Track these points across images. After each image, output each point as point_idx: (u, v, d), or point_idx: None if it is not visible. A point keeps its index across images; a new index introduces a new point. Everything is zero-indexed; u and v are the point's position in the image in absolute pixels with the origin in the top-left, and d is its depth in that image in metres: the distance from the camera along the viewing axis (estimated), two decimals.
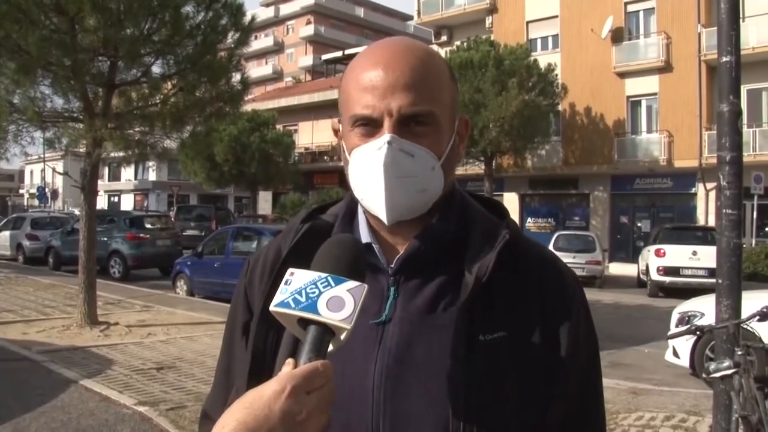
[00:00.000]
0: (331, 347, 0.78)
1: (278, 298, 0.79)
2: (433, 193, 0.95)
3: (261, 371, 0.91)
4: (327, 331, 0.77)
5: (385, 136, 0.90)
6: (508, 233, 0.96)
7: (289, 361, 0.75)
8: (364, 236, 1.00)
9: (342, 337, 0.77)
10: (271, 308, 0.80)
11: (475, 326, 0.90)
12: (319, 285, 0.79)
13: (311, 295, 0.78)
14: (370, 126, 0.92)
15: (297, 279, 0.80)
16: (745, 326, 4.17)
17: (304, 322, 0.78)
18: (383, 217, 0.94)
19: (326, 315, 0.76)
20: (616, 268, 23.65)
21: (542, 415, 0.92)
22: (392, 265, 0.97)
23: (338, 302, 0.77)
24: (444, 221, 0.98)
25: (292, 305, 0.78)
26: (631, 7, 24.72)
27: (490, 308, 0.92)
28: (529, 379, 0.91)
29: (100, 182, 10.92)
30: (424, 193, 0.93)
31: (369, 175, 0.92)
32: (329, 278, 0.79)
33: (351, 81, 0.95)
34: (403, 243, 0.98)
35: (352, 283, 0.79)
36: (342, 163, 1.01)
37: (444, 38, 29.68)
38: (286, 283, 0.80)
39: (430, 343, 0.91)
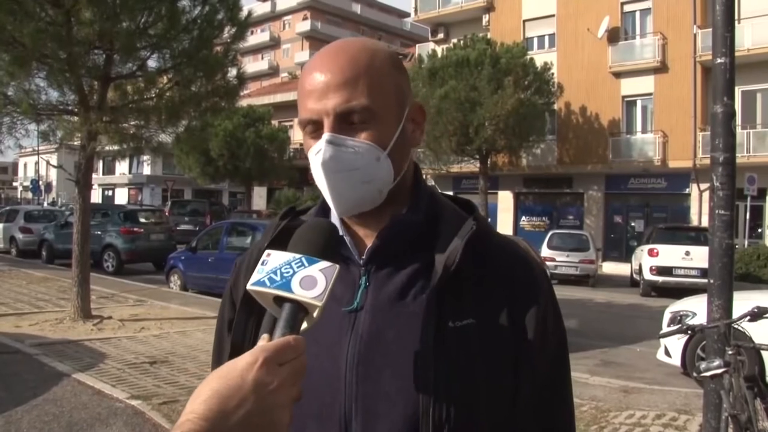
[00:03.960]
0: (305, 325, 0.82)
1: (255, 277, 0.84)
2: (382, 182, 0.98)
3: None
4: (300, 309, 0.81)
5: (324, 136, 0.94)
6: (475, 224, 1.00)
7: (264, 336, 0.79)
8: None
9: (315, 314, 0.82)
10: (248, 287, 0.84)
11: (444, 313, 0.94)
12: (293, 265, 0.83)
13: (286, 275, 0.82)
14: (316, 128, 0.97)
15: (273, 260, 0.85)
16: (735, 326, 4.20)
17: (280, 300, 0.82)
18: (335, 211, 1.00)
19: (299, 293, 0.80)
20: (610, 268, 23.74)
21: (511, 400, 0.96)
22: (363, 256, 1.00)
23: (311, 281, 0.81)
24: (412, 212, 1.02)
25: (268, 284, 0.82)
26: (627, 8, 24.77)
27: (459, 297, 0.96)
28: (498, 365, 0.95)
29: (94, 176, 10.88)
30: (371, 184, 0.97)
31: (317, 174, 0.97)
32: (303, 259, 0.84)
33: (299, 88, 1.00)
34: (373, 234, 1.02)
35: (324, 264, 0.83)
36: None
37: (441, 36, 29.68)
38: (262, 263, 0.85)
39: (400, 329, 0.94)
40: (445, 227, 1.00)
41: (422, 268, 0.98)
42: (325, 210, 1.06)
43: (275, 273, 0.82)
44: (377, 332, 0.95)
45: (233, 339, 1.01)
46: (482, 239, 0.99)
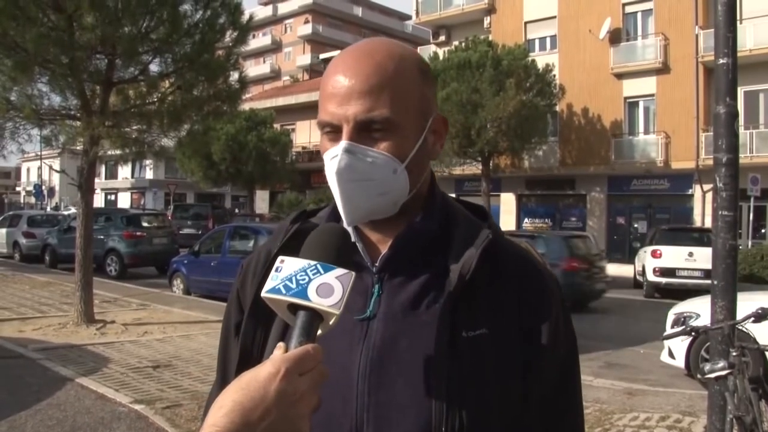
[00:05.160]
0: (319, 331, 0.81)
1: (269, 284, 0.82)
2: (397, 195, 0.97)
3: (248, 367, 0.93)
4: (316, 316, 0.80)
5: (341, 144, 0.93)
6: (491, 233, 0.99)
7: (280, 345, 0.78)
8: None
9: (330, 322, 0.81)
10: (263, 294, 0.82)
11: (458, 323, 0.93)
12: (308, 272, 0.82)
13: (301, 282, 0.81)
14: (334, 131, 0.95)
15: (287, 266, 0.83)
16: (740, 327, 4.18)
17: (294, 308, 0.81)
18: (344, 219, 0.97)
19: (316, 301, 0.79)
20: (613, 269, 23.48)
21: (522, 407, 0.95)
22: (376, 264, 0.99)
23: (327, 289, 0.80)
24: (427, 220, 1.01)
25: (283, 291, 0.81)
26: (629, 8, 24.76)
27: (472, 305, 0.95)
28: (510, 373, 0.94)
29: (97, 180, 10.90)
30: (385, 196, 0.96)
31: (330, 179, 0.96)
32: (318, 266, 0.82)
33: (321, 87, 0.98)
34: (386, 241, 1.00)
35: (340, 271, 0.82)
36: None
37: (442, 38, 29.70)
38: (276, 270, 0.83)
39: (413, 338, 0.93)
40: (459, 235, 0.99)
41: (436, 276, 0.96)
42: (336, 213, 1.04)
43: (290, 280, 0.81)
44: (390, 341, 0.93)
45: (242, 344, 0.99)
46: (495, 246, 0.98)
